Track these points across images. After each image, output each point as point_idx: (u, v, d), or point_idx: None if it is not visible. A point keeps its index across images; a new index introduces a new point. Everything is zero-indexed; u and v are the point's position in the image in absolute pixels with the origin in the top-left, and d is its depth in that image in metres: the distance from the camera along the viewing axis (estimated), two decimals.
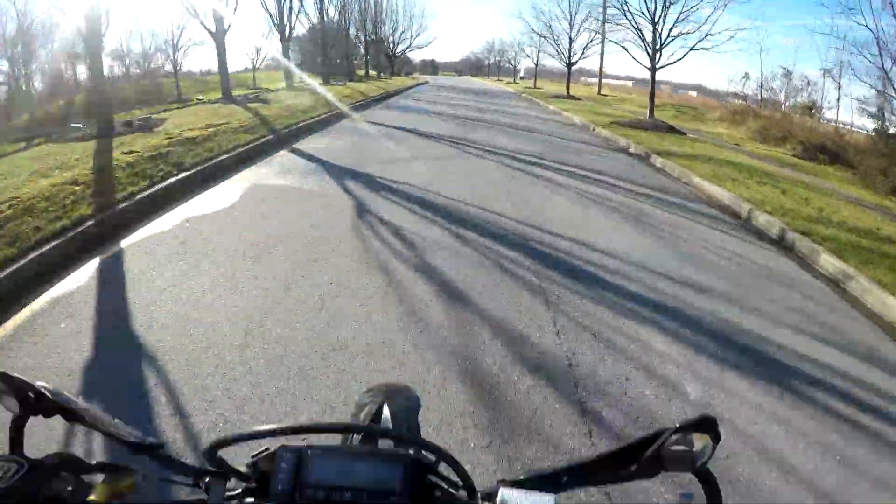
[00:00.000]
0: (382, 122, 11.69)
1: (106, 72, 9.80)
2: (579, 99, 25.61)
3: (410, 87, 28.15)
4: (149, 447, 0.65)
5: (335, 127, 10.72)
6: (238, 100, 13.46)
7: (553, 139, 11.11)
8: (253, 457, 0.66)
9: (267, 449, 0.65)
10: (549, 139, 11.05)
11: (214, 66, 17.29)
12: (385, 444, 0.81)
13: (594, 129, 13.24)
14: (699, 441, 0.54)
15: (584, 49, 28.31)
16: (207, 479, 0.63)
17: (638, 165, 8.70)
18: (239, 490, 0.65)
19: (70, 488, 0.58)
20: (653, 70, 15.65)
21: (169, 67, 27.97)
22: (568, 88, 28.77)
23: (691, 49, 15.37)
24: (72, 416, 0.63)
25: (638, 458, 0.57)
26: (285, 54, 20.17)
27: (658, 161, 8.88)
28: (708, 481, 0.57)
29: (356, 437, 0.91)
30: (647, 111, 15.86)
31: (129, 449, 0.65)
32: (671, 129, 13.73)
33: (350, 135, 9.65)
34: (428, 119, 12.99)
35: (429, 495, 0.63)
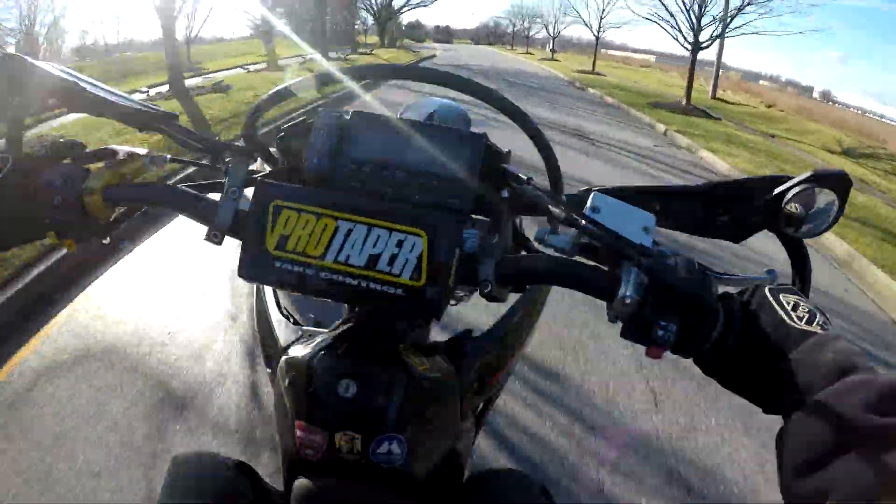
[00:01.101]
0: None
1: None
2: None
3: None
4: (161, 116, 0.57)
5: None
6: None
7: None
8: (281, 130, 0.56)
9: (303, 119, 0.56)
10: None
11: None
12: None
13: None
14: (825, 197, 0.47)
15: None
16: (228, 157, 0.54)
17: None
18: (265, 170, 0.56)
19: (64, 177, 0.52)
20: (694, 51, 14.25)
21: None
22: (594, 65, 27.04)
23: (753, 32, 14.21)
24: (71, 94, 0.55)
25: (751, 203, 0.51)
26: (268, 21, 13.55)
27: None
28: (800, 253, 0.51)
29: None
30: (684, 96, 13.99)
31: (137, 123, 0.58)
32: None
33: None
34: None
35: (502, 187, 0.53)
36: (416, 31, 57.35)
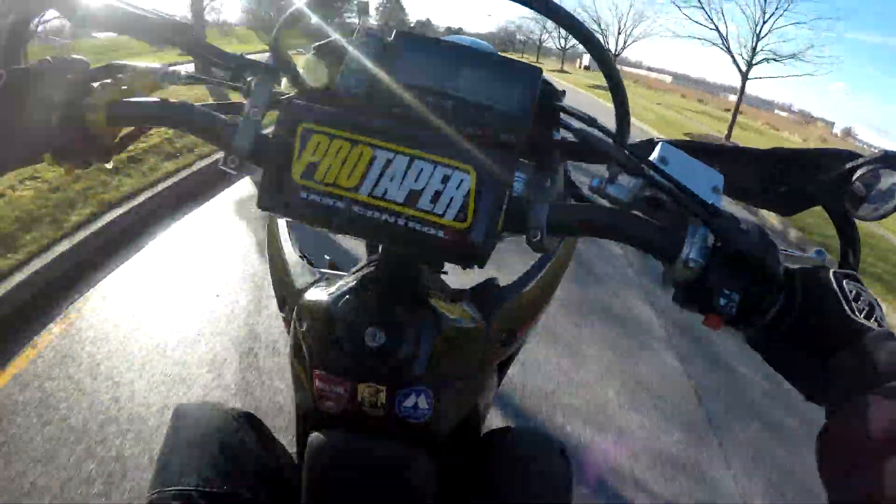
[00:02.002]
0: None
1: None
2: None
3: None
4: (181, 27, 0.52)
5: None
6: None
7: None
8: (315, 48, 0.52)
9: (335, 38, 0.51)
10: None
11: None
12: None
13: None
14: (890, 180, 0.45)
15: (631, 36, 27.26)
16: (250, 77, 0.50)
17: None
18: (293, 92, 0.51)
19: (64, 92, 0.47)
20: (744, 79, 13.94)
21: None
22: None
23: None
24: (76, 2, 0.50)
25: (814, 176, 0.48)
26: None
27: None
28: (852, 235, 0.49)
29: None
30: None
31: (154, 38, 0.53)
32: None
33: None
34: None
35: (555, 127, 0.50)
36: (423, 30, 57.46)
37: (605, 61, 0.48)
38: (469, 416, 0.55)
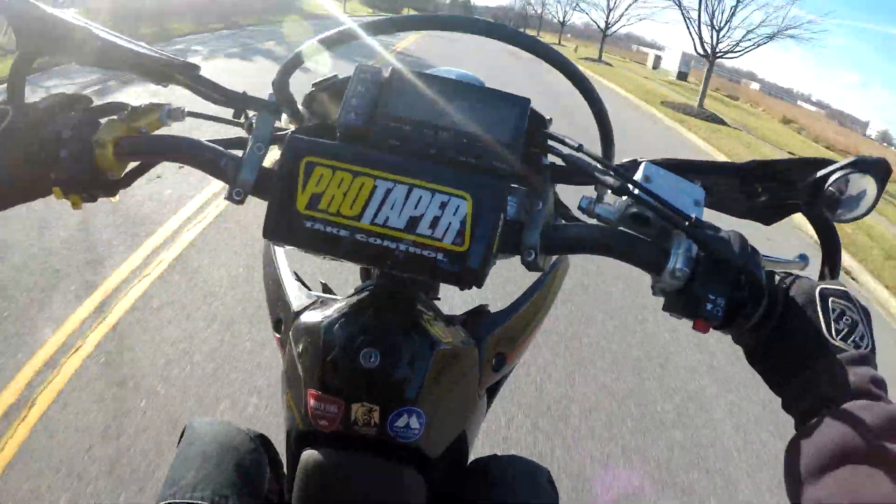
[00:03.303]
0: None
1: None
2: None
3: None
4: (182, 66, 0.56)
5: None
6: None
7: None
8: (314, 86, 0.55)
9: (335, 76, 0.55)
10: None
11: None
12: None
13: None
14: (860, 183, 0.49)
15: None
16: (252, 113, 0.54)
17: None
18: (292, 127, 0.54)
19: (73, 128, 0.50)
20: (712, 56, 14.51)
21: None
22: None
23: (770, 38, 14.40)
24: (82, 43, 0.52)
25: (791, 184, 0.52)
26: None
27: None
28: (832, 238, 0.53)
29: None
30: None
31: (155, 76, 0.56)
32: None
33: None
34: None
35: (544, 153, 0.53)
36: (427, 3, 52.13)
37: (588, 94, 0.53)
38: (458, 440, 0.57)
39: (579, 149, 0.50)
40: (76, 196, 0.52)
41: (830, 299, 0.44)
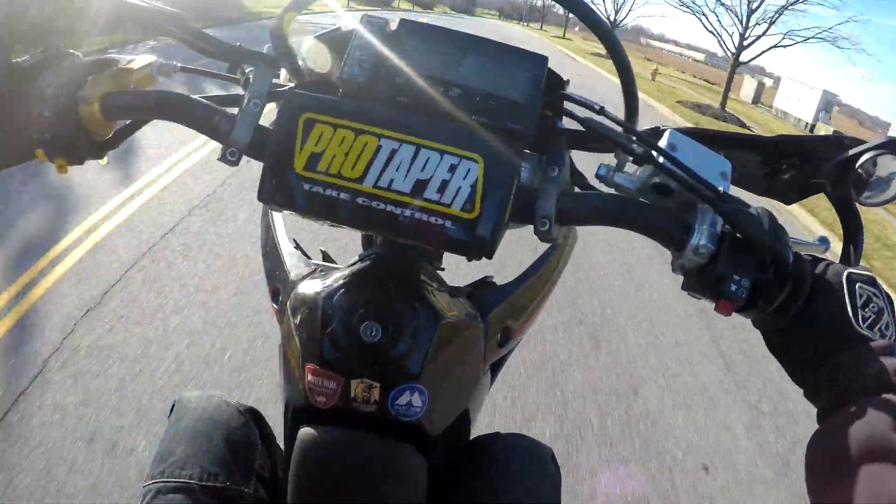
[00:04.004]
0: None
1: None
2: None
3: None
4: (170, 17, 0.52)
5: None
6: None
7: None
8: (316, 37, 0.53)
9: (337, 28, 0.52)
10: None
11: None
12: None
13: None
14: (893, 165, 0.47)
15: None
16: (249, 68, 0.51)
17: None
18: (293, 84, 0.53)
19: (56, 85, 0.47)
20: (738, 53, 14.26)
21: None
22: None
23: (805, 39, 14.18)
24: None
25: (817, 163, 0.50)
26: None
27: None
28: (854, 221, 0.51)
29: None
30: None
31: (147, 29, 0.53)
32: None
33: None
34: None
35: (560, 116, 0.51)
36: None
37: (615, 50, 0.49)
38: (461, 417, 0.55)
39: (601, 111, 0.47)
40: (61, 159, 0.49)
41: (858, 285, 0.42)
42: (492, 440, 0.60)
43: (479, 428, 0.64)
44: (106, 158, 0.52)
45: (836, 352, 0.40)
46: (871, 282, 0.42)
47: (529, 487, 0.55)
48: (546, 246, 0.65)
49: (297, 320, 0.50)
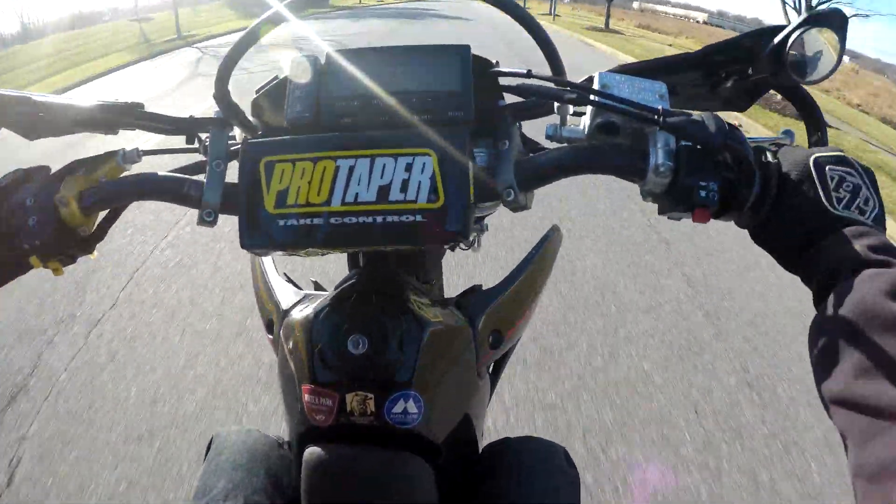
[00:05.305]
0: None
1: None
2: None
3: None
4: (127, 107, 0.57)
5: None
6: None
7: None
8: (257, 92, 0.57)
9: (275, 77, 0.56)
10: None
11: None
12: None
13: None
14: (822, 39, 0.48)
15: None
16: (205, 135, 0.56)
17: None
18: (245, 137, 0.56)
19: (34, 194, 0.52)
20: None
21: None
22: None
23: None
24: (27, 114, 0.55)
25: (753, 61, 0.51)
26: None
27: None
28: (807, 102, 0.52)
29: None
30: None
31: (104, 126, 0.58)
32: None
33: None
34: None
35: (498, 95, 0.53)
36: None
37: (527, 22, 0.52)
38: (462, 423, 0.57)
39: (528, 74, 0.50)
40: (54, 261, 0.53)
41: (827, 167, 0.42)
42: (501, 446, 0.60)
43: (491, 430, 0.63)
44: (96, 252, 0.56)
45: (817, 238, 0.41)
46: (840, 160, 0.43)
47: (546, 490, 0.55)
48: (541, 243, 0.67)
49: (290, 345, 0.53)
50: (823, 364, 0.36)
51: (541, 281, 0.69)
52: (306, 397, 0.49)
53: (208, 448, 0.60)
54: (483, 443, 0.62)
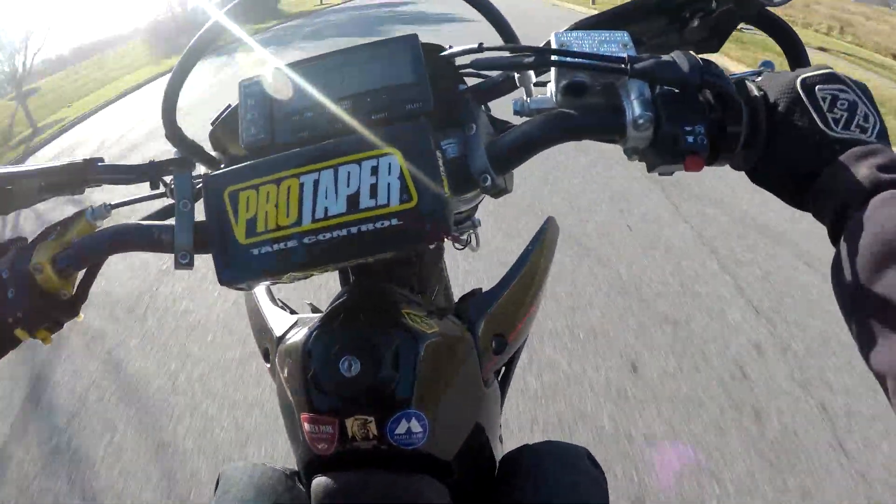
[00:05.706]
0: None
1: None
2: None
3: None
4: (84, 166, 0.57)
5: None
6: None
7: None
8: (212, 124, 0.56)
9: (228, 106, 0.55)
10: None
11: None
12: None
13: None
14: None
15: None
16: (169, 177, 0.55)
17: None
18: (206, 171, 0.56)
19: (8, 265, 0.51)
20: None
21: None
22: None
23: None
24: None
25: None
26: None
27: None
28: (779, 26, 0.50)
29: None
30: None
31: (66, 188, 0.58)
32: None
33: None
34: None
35: (456, 80, 0.52)
36: None
37: None
38: (473, 435, 0.54)
39: (480, 48, 0.47)
40: (41, 330, 0.52)
41: (817, 88, 0.39)
42: (520, 454, 0.58)
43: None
44: (81, 314, 0.55)
45: (820, 168, 0.38)
46: (830, 78, 0.39)
47: (570, 494, 0.53)
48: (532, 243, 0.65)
49: (286, 373, 0.51)
50: (849, 303, 0.34)
51: (540, 276, 0.67)
52: (306, 426, 0.48)
53: (216, 486, 0.59)
54: (501, 452, 0.60)
